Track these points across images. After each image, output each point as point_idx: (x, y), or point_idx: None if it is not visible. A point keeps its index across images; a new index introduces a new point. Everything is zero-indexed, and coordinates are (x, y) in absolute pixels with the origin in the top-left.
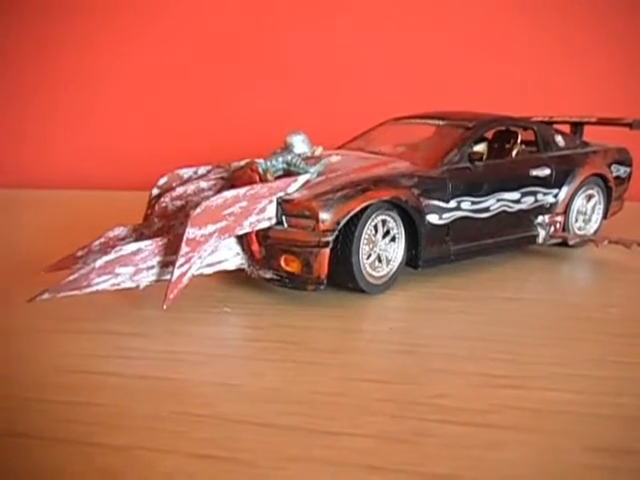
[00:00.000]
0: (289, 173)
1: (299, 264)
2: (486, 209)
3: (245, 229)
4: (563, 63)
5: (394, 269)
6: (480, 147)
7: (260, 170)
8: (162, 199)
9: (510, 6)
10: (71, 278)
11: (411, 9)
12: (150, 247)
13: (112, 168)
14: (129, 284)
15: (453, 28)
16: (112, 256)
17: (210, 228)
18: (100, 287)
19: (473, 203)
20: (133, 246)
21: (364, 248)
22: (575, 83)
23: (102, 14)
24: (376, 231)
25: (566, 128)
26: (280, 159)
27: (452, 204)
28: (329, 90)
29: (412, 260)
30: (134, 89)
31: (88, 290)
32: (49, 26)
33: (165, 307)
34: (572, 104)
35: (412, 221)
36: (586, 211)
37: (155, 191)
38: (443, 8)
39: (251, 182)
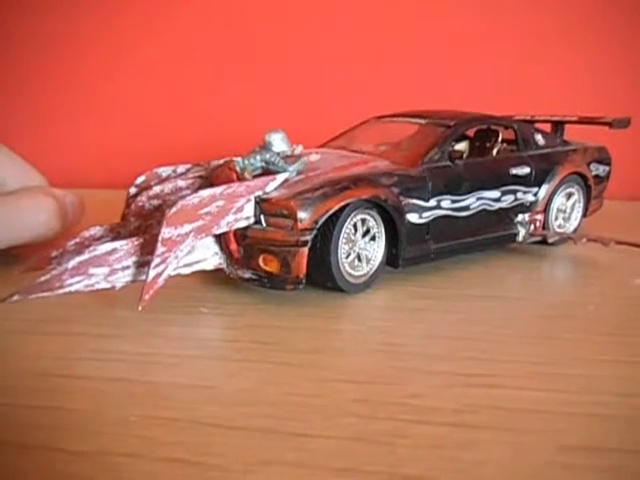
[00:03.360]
0: (268, 172)
1: (277, 264)
2: (466, 207)
3: (222, 228)
4: (552, 60)
5: (374, 268)
6: (461, 146)
7: (238, 169)
8: (139, 198)
9: (499, 2)
10: (43, 279)
11: (395, 6)
12: (125, 247)
13: (96, 165)
14: (104, 285)
15: (438, 26)
16: (86, 256)
17: (186, 227)
18: (73, 288)
19: (453, 202)
20: (108, 246)
21: (343, 247)
22: (567, 81)
23: (99, 15)
24: (355, 230)
25: (547, 127)
26: (258, 157)
27: (432, 203)
28: (312, 88)
29: (392, 259)
30: (123, 88)
31: (61, 291)
32: (49, 26)
33: (140, 308)
34: (563, 102)
35: (392, 220)
36: (566, 209)
37: (132, 190)
38: (428, 5)
39: (229, 181)
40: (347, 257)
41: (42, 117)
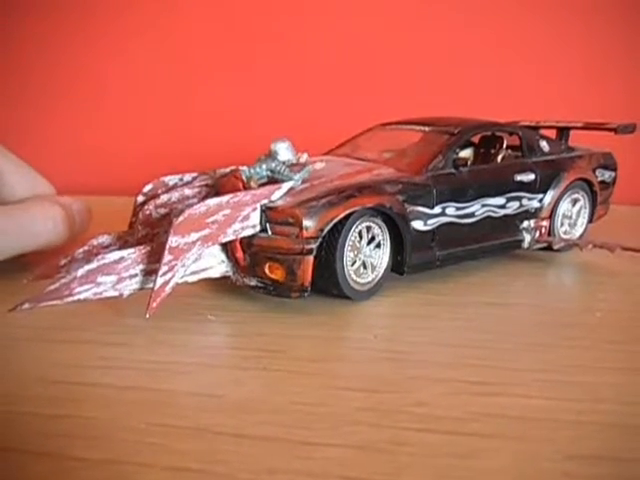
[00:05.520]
0: (273, 180)
1: (283, 271)
2: (471, 214)
3: (229, 237)
4: (557, 65)
5: (379, 275)
6: (466, 152)
7: (244, 177)
8: (146, 206)
9: (504, 8)
10: (52, 287)
11: (397, 13)
12: (133, 255)
13: (100, 173)
14: (112, 293)
15: (441, 33)
16: (94, 265)
17: (193, 236)
18: (82, 296)
19: (458, 209)
20: (116, 254)
21: (348, 255)
22: (569, 85)
23: (102, 19)
24: (361, 238)
25: (552, 133)
26: (264, 166)
27: (437, 210)
28: (317, 96)
29: (397, 266)
30: (128, 95)
31: (70, 299)
32: (51, 26)
33: (148, 316)
34: (564, 107)
35: (397, 227)
36: (571, 215)
37: (140, 198)
38: (429, 12)
39: (235, 189)
40: (352, 265)
41: (46, 124)
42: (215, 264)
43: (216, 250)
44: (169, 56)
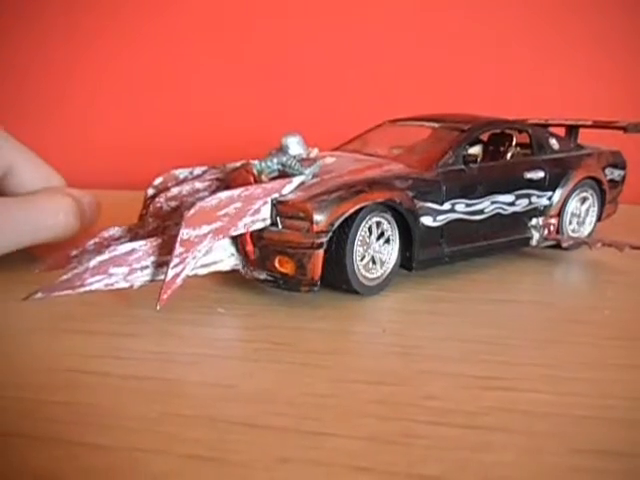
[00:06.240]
0: (284, 174)
1: (293, 265)
2: (480, 211)
3: (240, 230)
4: (565, 63)
5: (388, 271)
6: (475, 149)
7: (255, 171)
8: (157, 199)
9: (510, 5)
10: (64, 278)
11: (408, 11)
12: (144, 247)
13: (108, 167)
14: (123, 284)
15: (451, 29)
16: (106, 256)
17: (204, 229)
18: (94, 287)
19: (467, 205)
20: (127, 246)
21: (358, 250)
22: (576, 84)
23: (105, 11)
24: (370, 233)
25: (561, 131)
26: (275, 160)
27: (446, 206)
28: (328, 91)
29: (406, 262)
30: (131, 88)
31: (82, 290)
32: (50, 25)
33: (158, 308)
34: (573, 105)
35: (406, 223)
36: (580, 214)
37: (150, 191)
38: (438, 10)
39: (246, 183)
40: (362, 260)
41: (52, 118)
42: (225, 257)
43: (226, 243)
44: (180, 51)
